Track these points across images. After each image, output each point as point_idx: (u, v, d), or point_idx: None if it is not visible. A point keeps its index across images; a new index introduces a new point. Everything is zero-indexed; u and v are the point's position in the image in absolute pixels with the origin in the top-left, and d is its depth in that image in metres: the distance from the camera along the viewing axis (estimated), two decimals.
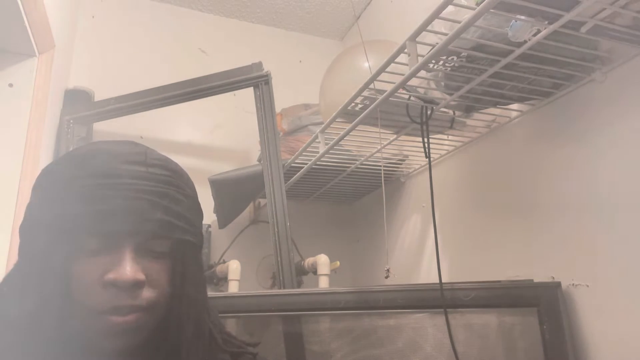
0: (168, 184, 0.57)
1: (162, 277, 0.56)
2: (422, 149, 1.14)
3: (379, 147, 1.39)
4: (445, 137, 1.37)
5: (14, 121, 1.19)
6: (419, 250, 1.55)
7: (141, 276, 0.53)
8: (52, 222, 0.54)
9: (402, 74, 1.00)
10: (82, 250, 0.53)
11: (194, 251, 0.60)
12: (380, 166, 1.53)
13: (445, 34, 0.89)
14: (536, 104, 1.13)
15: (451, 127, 1.27)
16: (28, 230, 0.58)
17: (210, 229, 1.81)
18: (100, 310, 0.52)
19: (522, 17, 0.83)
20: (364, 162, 1.52)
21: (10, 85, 1.21)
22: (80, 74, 1.78)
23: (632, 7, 0.79)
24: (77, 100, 1.62)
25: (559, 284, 1.02)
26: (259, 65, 1.62)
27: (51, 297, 0.52)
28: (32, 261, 0.55)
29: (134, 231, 0.54)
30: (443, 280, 1.00)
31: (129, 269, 0.52)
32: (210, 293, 0.69)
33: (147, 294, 0.54)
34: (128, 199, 0.54)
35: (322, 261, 1.52)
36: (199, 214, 0.63)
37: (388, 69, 1.03)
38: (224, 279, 1.59)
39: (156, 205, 0.55)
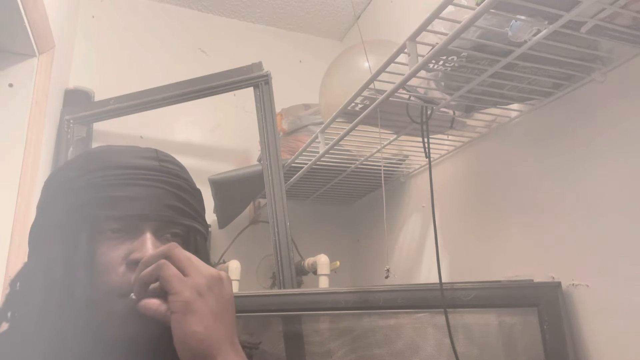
0: (178, 177, 0.62)
1: None
2: (422, 149, 1.14)
3: (379, 147, 1.39)
4: (445, 137, 1.37)
5: (14, 121, 1.20)
6: (419, 250, 1.55)
7: None
8: (73, 211, 0.57)
9: (402, 74, 1.00)
10: (104, 234, 0.56)
11: (202, 240, 0.64)
12: (380, 166, 1.53)
13: (445, 34, 0.89)
14: (536, 104, 1.13)
15: (451, 127, 1.27)
16: (42, 226, 0.60)
17: (210, 229, 1.81)
18: (125, 291, 0.54)
19: (522, 17, 0.83)
20: (364, 162, 1.52)
21: (10, 85, 1.21)
22: (80, 74, 1.78)
23: (632, 7, 0.79)
24: (77, 100, 1.62)
25: (559, 284, 1.02)
26: (259, 65, 1.62)
27: (75, 285, 0.54)
28: (51, 254, 0.56)
29: (154, 216, 0.58)
30: (443, 280, 1.00)
31: (152, 249, 0.56)
32: None
33: None
34: (147, 186, 0.58)
35: (322, 261, 1.52)
36: (204, 207, 0.67)
37: (388, 69, 1.03)
38: None
39: (172, 194, 0.60)
